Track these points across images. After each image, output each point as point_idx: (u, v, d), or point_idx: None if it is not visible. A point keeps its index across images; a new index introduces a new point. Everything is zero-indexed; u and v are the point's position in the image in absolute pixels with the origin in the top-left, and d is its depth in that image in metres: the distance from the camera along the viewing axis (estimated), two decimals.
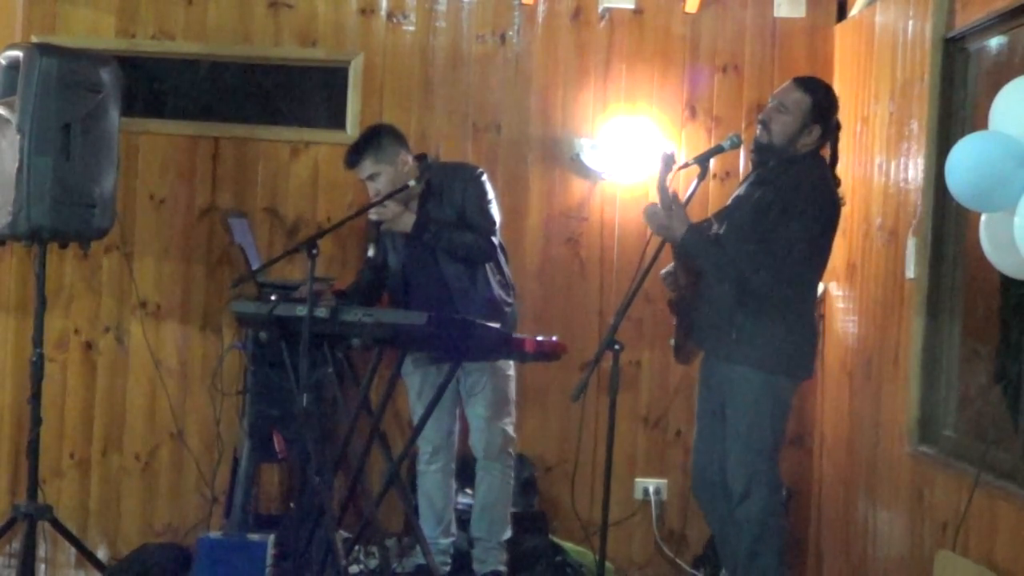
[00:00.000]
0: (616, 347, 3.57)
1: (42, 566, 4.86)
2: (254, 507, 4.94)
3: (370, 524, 4.44)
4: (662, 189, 3.99)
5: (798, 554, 5.03)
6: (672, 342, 4.27)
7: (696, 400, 4.33)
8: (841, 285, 4.81)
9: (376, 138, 4.54)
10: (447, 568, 4.79)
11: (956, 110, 3.94)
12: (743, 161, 5.18)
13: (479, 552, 4.74)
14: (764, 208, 4.00)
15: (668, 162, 4.03)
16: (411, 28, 5.24)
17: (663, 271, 4.25)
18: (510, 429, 4.74)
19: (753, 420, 4.05)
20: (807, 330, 4.13)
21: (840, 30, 5.14)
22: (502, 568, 4.73)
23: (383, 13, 5.24)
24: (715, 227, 4.13)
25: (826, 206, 4.05)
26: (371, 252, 4.63)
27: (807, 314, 4.13)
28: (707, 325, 4.12)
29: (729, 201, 4.28)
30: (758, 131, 4.14)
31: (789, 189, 4.00)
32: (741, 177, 5.17)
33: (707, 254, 4.00)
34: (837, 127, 4.19)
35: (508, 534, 4.77)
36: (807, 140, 4.09)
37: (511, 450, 4.75)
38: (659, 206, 4.00)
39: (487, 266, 4.58)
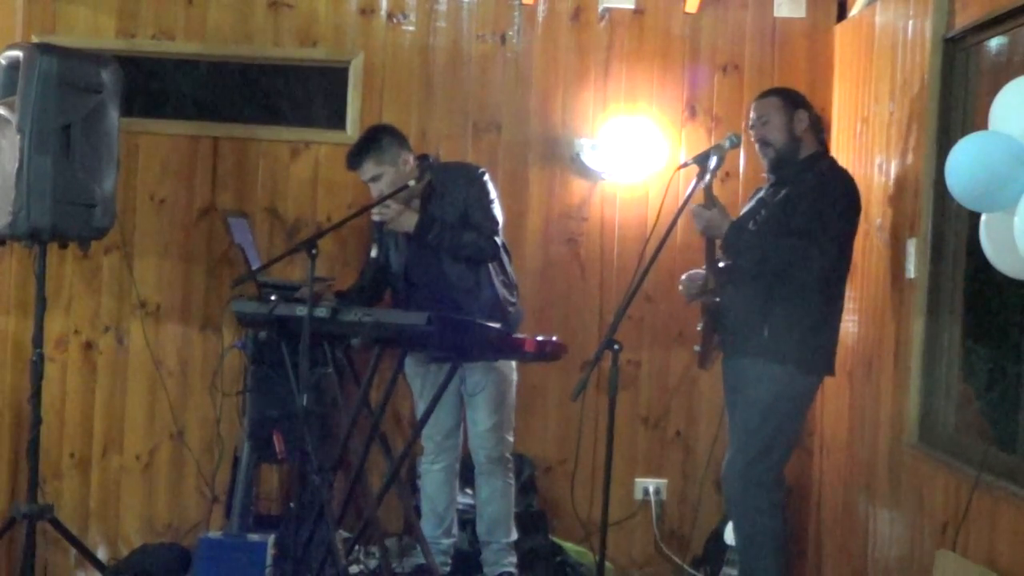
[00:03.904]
0: (615, 347, 3.58)
1: (42, 566, 4.86)
2: (254, 507, 4.94)
3: (370, 524, 4.44)
4: (707, 192, 4.07)
5: (798, 554, 5.03)
6: (697, 348, 4.28)
7: (725, 403, 4.37)
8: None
9: (377, 139, 4.53)
10: (447, 568, 4.79)
11: (956, 110, 3.94)
12: (743, 161, 5.18)
13: (488, 555, 4.75)
14: (793, 205, 4.08)
15: (718, 164, 4.10)
16: (411, 28, 5.25)
17: (683, 276, 4.28)
18: (508, 436, 4.74)
19: (766, 416, 4.10)
20: (834, 326, 4.20)
21: (840, 30, 5.14)
22: (512, 570, 4.74)
23: (383, 13, 5.24)
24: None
25: (852, 200, 4.17)
26: (374, 253, 4.62)
27: (836, 310, 4.21)
28: (737, 324, 4.15)
29: (751, 204, 4.33)
30: (762, 154, 4.28)
31: (816, 185, 4.11)
32: (741, 178, 5.19)
33: (750, 247, 4.08)
34: (819, 118, 4.36)
35: (515, 535, 4.77)
36: (802, 126, 4.22)
37: (508, 455, 4.75)
38: (703, 207, 4.09)
39: (490, 266, 4.58)
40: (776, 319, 4.08)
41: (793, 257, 4.02)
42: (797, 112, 4.22)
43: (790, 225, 4.05)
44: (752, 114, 4.29)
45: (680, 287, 4.34)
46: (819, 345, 4.14)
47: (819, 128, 4.31)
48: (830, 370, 4.21)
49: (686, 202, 4.02)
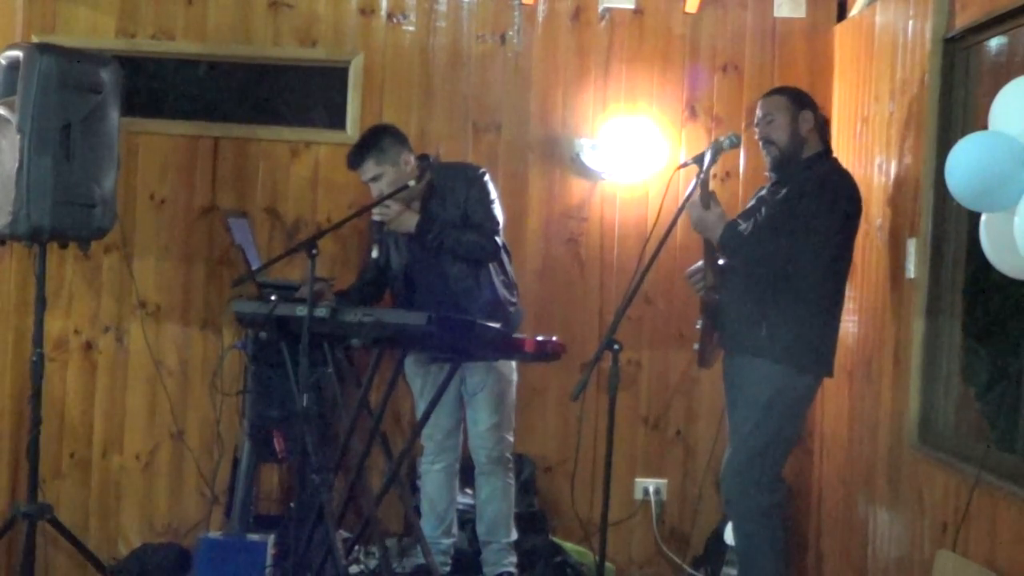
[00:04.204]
0: (615, 347, 3.58)
1: (42, 566, 4.86)
2: (254, 507, 4.94)
3: (370, 524, 4.44)
4: (703, 185, 4.06)
5: (798, 554, 5.03)
6: (696, 347, 4.29)
7: (725, 402, 4.36)
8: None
9: (378, 139, 4.53)
10: (447, 568, 4.79)
11: (956, 110, 3.94)
12: (743, 161, 5.18)
13: (488, 555, 4.75)
14: (792, 203, 4.08)
15: (713, 159, 4.12)
16: (411, 28, 5.25)
17: (689, 269, 4.30)
18: (509, 436, 4.75)
19: (764, 415, 4.09)
20: (833, 327, 4.19)
21: (840, 30, 5.14)
22: (512, 570, 4.74)
23: (383, 13, 5.24)
24: (743, 226, 4.17)
25: (852, 201, 4.16)
26: (375, 254, 4.62)
27: (835, 310, 4.19)
28: (735, 322, 4.15)
29: (752, 202, 4.34)
30: (765, 151, 4.27)
31: (815, 185, 4.10)
32: (741, 178, 5.20)
33: (744, 249, 4.08)
34: (825, 120, 4.34)
35: (514, 535, 4.78)
36: (807, 127, 4.22)
37: (509, 455, 4.76)
38: (698, 200, 4.08)
39: (490, 266, 4.58)
40: (774, 318, 4.08)
41: (787, 259, 4.01)
42: (803, 112, 4.21)
43: (788, 225, 4.05)
44: (758, 112, 4.29)
45: (691, 283, 4.34)
46: (817, 345, 4.14)
47: (825, 129, 4.31)
48: (829, 371, 4.21)
49: (686, 202, 4.04)
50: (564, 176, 5.26)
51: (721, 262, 4.20)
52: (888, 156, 4.38)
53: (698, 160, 4.11)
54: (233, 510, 4.85)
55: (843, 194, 4.13)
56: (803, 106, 4.23)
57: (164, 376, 5.18)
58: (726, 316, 4.20)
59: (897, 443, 4.12)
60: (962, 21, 3.84)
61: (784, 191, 4.16)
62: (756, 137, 4.30)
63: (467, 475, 4.86)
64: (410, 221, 4.48)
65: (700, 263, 4.28)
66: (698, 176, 4.05)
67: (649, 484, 5.26)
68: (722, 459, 4.33)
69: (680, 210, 3.97)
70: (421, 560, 4.60)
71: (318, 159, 5.24)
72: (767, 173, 4.34)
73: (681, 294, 4.94)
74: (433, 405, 4.31)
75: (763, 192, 4.33)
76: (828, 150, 4.31)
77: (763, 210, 4.19)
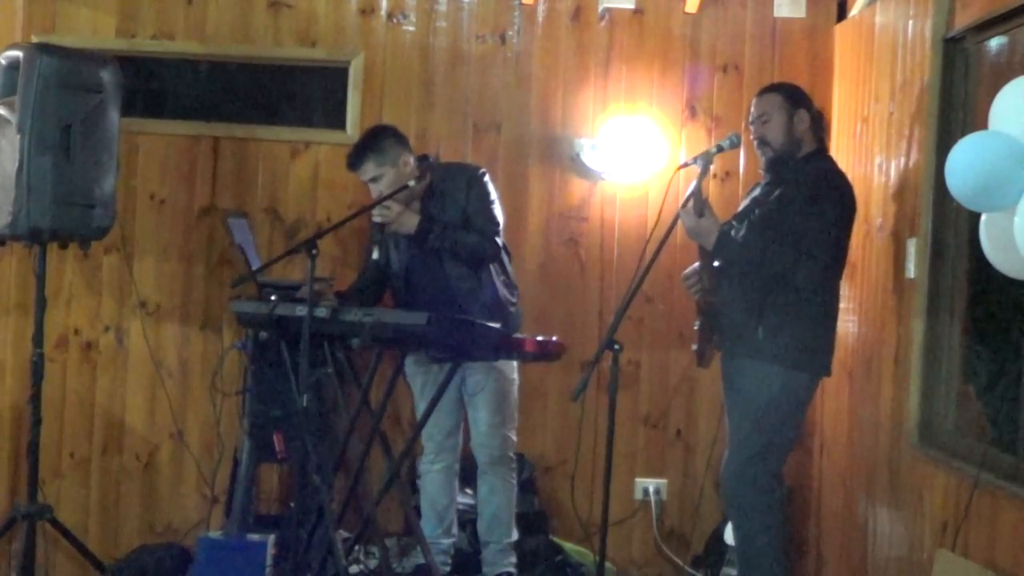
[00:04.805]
0: (615, 347, 3.58)
1: (42, 566, 4.86)
2: (254, 507, 4.94)
3: (370, 524, 4.44)
4: (696, 194, 4.06)
5: (798, 554, 5.03)
6: (694, 347, 4.28)
7: (723, 402, 4.36)
8: (841, 285, 4.79)
9: (377, 140, 4.53)
10: (447, 568, 4.80)
11: (956, 110, 3.94)
12: (743, 161, 5.18)
13: (488, 555, 4.75)
14: (786, 204, 4.07)
15: (705, 167, 4.11)
16: (411, 28, 5.25)
17: (685, 272, 4.30)
18: (511, 434, 4.74)
19: (762, 416, 4.09)
20: (830, 326, 4.18)
21: (840, 30, 5.14)
22: (512, 570, 4.75)
23: (383, 13, 5.24)
24: (735, 228, 4.16)
25: (846, 200, 4.15)
26: (375, 255, 4.62)
27: (832, 309, 4.19)
28: (732, 324, 4.15)
29: (746, 203, 4.34)
30: (760, 151, 4.27)
31: (809, 185, 4.10)
32: (741, 178, 5.19)
33: (739, 255, 4.07)
34: (820, 116, 4.33)
35: (515, 536, 4.78)
36: (802, 127, 4.21)
37: (511, 454, 4.76)
38: (692, 208, 4.07)
39: (491, 266, 4.58)
40: (770, 320, 4.08)
41: (782, 261, 4.01)
42: (798, 112, 4.21)
43: (782, 226, 4.04)
44: (753, 110, 4.28)
45: (686, 286, 4.34)
46: (814, 345, 4.14)
47: (820, 126, 4.30)
48: (826, 370, 4.20)
49: (686, 203, 4.04)
50: (564, 176, 5.26)
51: (716, 263, 4.20)
52: (888, 156, 4.38)
53: (699, 160, 4.12)
54: (233, 510, 4.85)
55: (837, 193, 4.13)
56: (799, 104, 4.22)
57: (164, 376, 5.18)
58: (723, 318, 4.20)
59: (897, 443, 4.12)
60: (962, 21, 3.84)
61: (778, 191, 4.16)
62: (751, 137, 4.29)
63: (467, 475, 4.86)
64: (410, 222, 4.48)
65: (695, 265, 4.28)
66: (697, 183, 4.05)
67: (649, 484, 5.26)
68: (722, 459, 4.33)
69: (678, 215, 3.97)
70: (421, 560, 4.60)
71: (318, 159, 5.24)
72: (761, 171, 4.34)
73: (681, 294, 4.93)
74: (433, 405, 4.30)
75: (756, 192, 4.33)
76: (823, 148, 4.30)
77: (757, 211, 4.19)
